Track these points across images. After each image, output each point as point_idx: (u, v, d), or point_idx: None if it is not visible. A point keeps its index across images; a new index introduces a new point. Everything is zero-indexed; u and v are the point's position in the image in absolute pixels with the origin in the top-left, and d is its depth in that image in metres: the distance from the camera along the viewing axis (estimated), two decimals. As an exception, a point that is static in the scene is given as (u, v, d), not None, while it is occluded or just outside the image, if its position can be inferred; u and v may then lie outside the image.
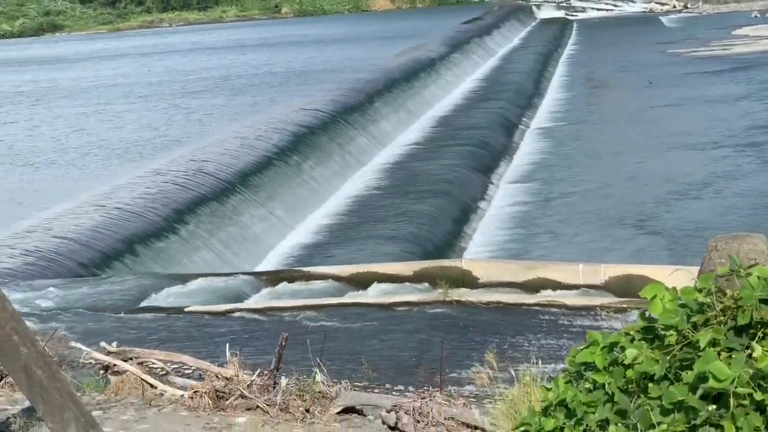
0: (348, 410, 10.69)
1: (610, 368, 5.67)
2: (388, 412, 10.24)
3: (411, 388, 11.81)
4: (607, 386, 5.61)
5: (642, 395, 5.45)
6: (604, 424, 5.53)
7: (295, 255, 27.68)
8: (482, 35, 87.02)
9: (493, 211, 33.45)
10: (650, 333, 5.67)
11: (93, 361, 11.90)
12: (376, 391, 11.93)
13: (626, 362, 5.58)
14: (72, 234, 24.54)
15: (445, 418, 9.99)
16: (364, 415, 10.67)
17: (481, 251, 28.50)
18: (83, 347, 12.03)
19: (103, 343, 12.01)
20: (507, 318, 16.85)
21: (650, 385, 5.42)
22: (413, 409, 10.07)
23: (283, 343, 11.02)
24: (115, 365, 11.62)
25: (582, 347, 5.92)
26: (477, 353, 13.38)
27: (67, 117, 54.76)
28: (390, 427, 10.15)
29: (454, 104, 55.39)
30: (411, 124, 49.38)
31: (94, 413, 9.48)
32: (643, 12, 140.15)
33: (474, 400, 10.91)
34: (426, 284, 19.81)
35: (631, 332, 5.75)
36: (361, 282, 20.44)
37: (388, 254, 25.67)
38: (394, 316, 16.99)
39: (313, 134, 39.41)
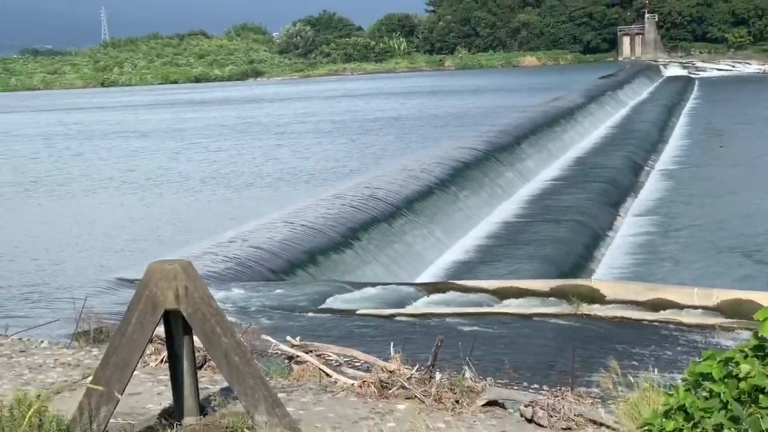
0: (491, 403, 10.60)
1: (725, 380, 5.52)
2: (525, 406, 10.14)
3: (545, 387, 11.65)
4: (722, 395, 5.46)
5: (753, 405, 5.29)
6: (719, 428, 5.38)
7: (450, 270, 27.64)
8: (615, 89, 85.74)
9: (620, 240, 32.87)
10: (761, 351, 5.50)
11: (279, 352, 12.06)
12: (516, 388, 11.79)
13: (740, 375, 5.43)
14: (265, 245, 24.98)
15: (574, 415, 9.83)
16: (505, 408, 10.57)
17: (608, 273, 28.02)
18: (272, 339, 12.21)
19: (288, 337, 12.16)
20: (629, 332, 16.51)
21: (761, 396, 5.26)
22: (547, 405, 9.95)
23: (439, 344, 10.99)
24: (297, 356, 11.76)
25: (700, 360, 5.77)
26: (603, 360, 13.14)
27: (264, 147, 55.84)
28: (527, 420, 10.04)
29: (589, 147, 54.68)
30: (551, 163, 48.91)
31: (279, 395, 9.62)
32: (758, 73, 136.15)
33: (599, 400, 10.71)
34: (560, 299, 19.55)
35: (745, 349, 5.60)
36: (505, 295, 20.28)
37: (528, 272, 25.45)
38: (532, 325, 16.82)
39: (469, 168, 39.43)
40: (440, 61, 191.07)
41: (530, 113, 60.20)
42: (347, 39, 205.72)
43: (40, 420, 8.60)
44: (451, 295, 20.58)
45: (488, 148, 44.09)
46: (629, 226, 34.97)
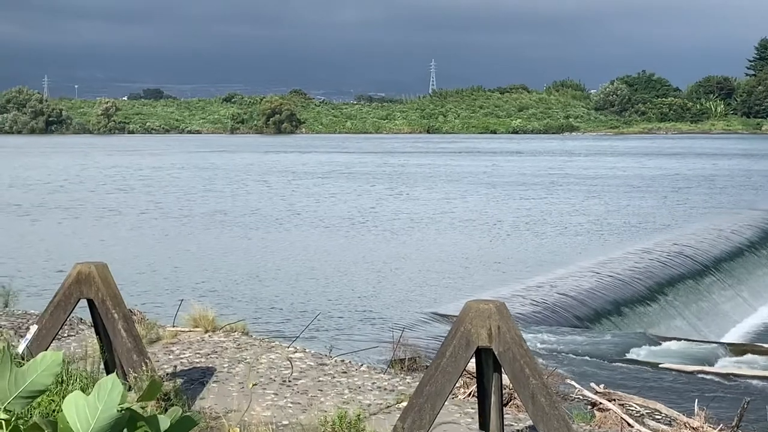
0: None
1: None
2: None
3: None
4: None
5: None
6: None
7: (756, 332, 26.09)
8: None
9: None
10: None
11: (582, 397, 11.80)
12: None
13: None
14: (572, 292, 24.65)
15: None
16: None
17: None
18: (576, 384, 11.98)
19: (592, 384, 11.89)
20: None
21: None
22: None
23: (745, 406, 10.36)
24: (600, 403, 11.46)
25: None
26: None
27: (574, 199, 55.34)
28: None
29: None
30: None
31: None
32: None
33: None
34: None
35: None
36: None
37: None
38: None
39: (782, 233, 37.13)
40: (757, 124, 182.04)
41: None
42: (663, 99, 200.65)
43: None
44: (758, 357, 19.38)
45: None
46: None
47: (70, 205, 49.99)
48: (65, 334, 14.74)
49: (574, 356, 17.83)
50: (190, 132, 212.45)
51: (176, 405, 3.57)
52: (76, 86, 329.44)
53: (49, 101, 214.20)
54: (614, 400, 11.53)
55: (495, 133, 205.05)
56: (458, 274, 29.17)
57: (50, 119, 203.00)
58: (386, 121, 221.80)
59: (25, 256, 32.31)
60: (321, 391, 12.02)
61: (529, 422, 9.38)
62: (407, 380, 12.72)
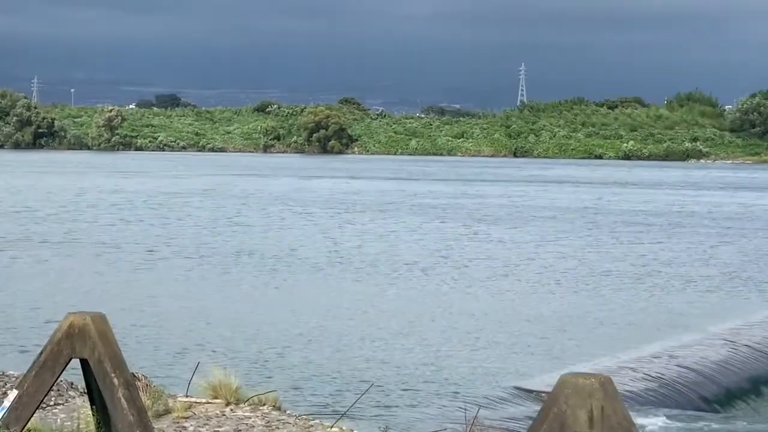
0: None
1: None
2: None
3: None
4: None
5: None
6: None
7: None
8: None
9: None
10: None
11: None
12: None
13: None
14: (697, 365, 24.41)
15: None
16: None
17: None
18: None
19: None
20: None
21: None
22: None
23: None
24: None
25: None
26: None
27: (701, 244, 54.85)
28: None
29: None
30: None
31: None
32: None
33: None
34: None
35: None
36: None
37: None
38: None
39: None
40: None
41: None
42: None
43: None
44: None
45: None
46: None
47: (61, 239, 50.79)
48: (52, 402, 14.94)
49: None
50: (212, 149, 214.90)
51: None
52: (72, 90, 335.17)
53: (39, 108, 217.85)
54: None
55: (600, 158, 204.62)
56: (551, 339, 29.03)
57: (40, 131, 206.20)
58: (461, 140, 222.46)
59: (4, 301, 32.82)
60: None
61: None
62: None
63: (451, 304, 34.93)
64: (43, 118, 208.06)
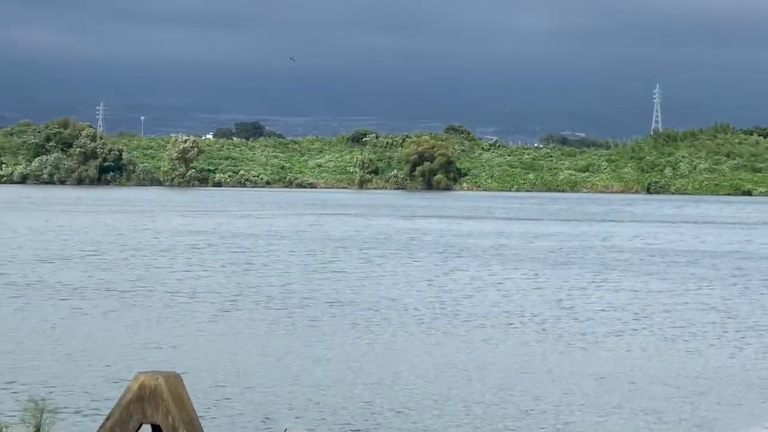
0: None
1: None
2: None
3: None
4: None
5: None
6: None
7: None
8: None
9: None
10: None
11: None
12: None
13: None
14: None
15: None
16: None
17: None
18: None
19: None
20: None
21: None
22: None
23: None
24: None
25: None
26: None
27: None
28: None
29: None
30: None
31: None
32: None
33: None
34: None
35: None
36: None
37: None
38: None
39: None
40: None
41: None
42: None
43: None
44: None
45: None
46: None
47: (130, 287, 51.36)
48: (119, 473, 15.13)
49: None
50: (301, 185, 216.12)
51: None
52: (142, 117, 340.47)
53: (105, 138, 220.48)
54: None
55: (749, 194, 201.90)
56: (690, 404, 28.66)
57: (105, 164, 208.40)
58: (586, 174, 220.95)
59: (68, 358, 33.31)
60: None
61: None
62: None
63: (573, 362, 34.66)
64: (110, 150, 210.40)
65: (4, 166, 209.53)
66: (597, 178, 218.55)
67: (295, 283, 54.34)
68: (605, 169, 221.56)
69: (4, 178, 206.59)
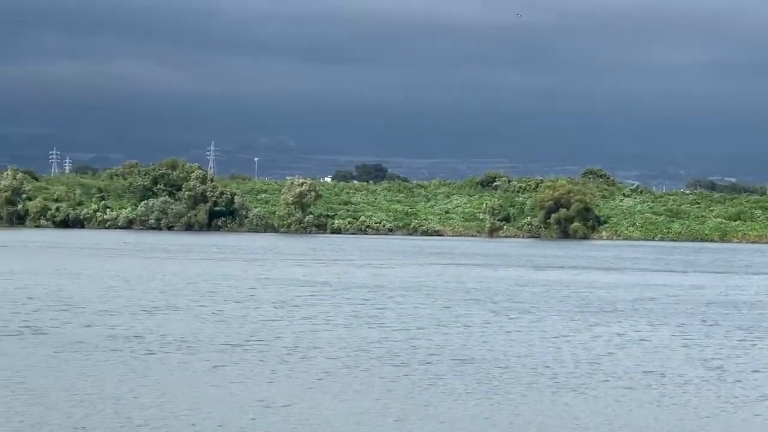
0: None
1: None
2: None
3: None
4: None
5: None
6: None
7: None
8: None
9: None
10: None
11: None
12: None
13: None
14: None
15: None
16: None
17: None
18: None
19: None
20: None
21: None
22: None
23: None
24: None
25: None
26: None
27: None
28: None
29: None
30: None
31: None
32: None
33: None
34: None
35: None
36: None
37: None
38: None
39: None
40: None
41: None
42: None
43: None
44: None
45: None
46: None
47: (239, 341, 51.56)
48: None
49: None
50: (426, 232, 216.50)
51: None
52: (255, 159, 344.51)
53: (216, 181, 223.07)
54: None
55: None
56: None
57: (216, 209, 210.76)
58: (738, 222, 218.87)
59: (173, 416, 33.42)
60: None
61: None
62: None
63: (717, 426, 34.15)
64: (221, 194, 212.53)
65: (108, 210, 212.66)
66: (749, 227, 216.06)
67: (421, 338, 54.20)
68: (759, 217, 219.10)
69: (109, 223, 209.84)
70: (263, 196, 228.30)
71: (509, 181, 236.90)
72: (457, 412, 35.57)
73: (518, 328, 60.35)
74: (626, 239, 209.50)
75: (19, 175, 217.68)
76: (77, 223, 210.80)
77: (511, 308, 71.54)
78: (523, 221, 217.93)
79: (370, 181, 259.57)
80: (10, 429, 30.58)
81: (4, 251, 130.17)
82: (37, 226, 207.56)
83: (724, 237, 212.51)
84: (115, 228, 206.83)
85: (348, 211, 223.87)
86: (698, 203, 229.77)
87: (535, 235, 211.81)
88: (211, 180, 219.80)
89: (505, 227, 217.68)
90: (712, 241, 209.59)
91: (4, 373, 39.86)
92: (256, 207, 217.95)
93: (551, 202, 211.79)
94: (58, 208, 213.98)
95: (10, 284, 79.90)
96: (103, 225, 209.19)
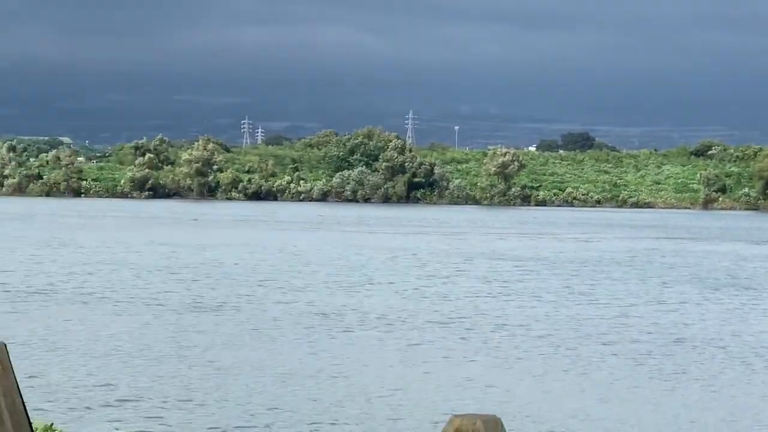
0: None
1: None
2: None
3: None
4: None
5: None
6: None
7: None
8: None
9: None
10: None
11: None
12: None
13: None
14: None
15: None
16: None
17: None
18: None
19: None
20: None
21: None
22: None
23: None
24: None
25: None
26: None
27: None
28: None
29: None
30: None
31: None
32: None
33: None
34: None
35: None
36: None
37: None
38: None
39: None
40: None
41: None
42: None
43: None
44: None
45: None
46: None
47: (440, 318, 51.73)
48: None
49: None
50: (636, 204, 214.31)
51: None
52: (456, 127, 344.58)
53: (415, 151, 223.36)
54: None
55: None
56: None
57: (415, 180, 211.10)
58: None
59: (376, 396, 33.73)
60: None
61: None
62: None
63: None
64: (420, 164, 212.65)
65: (302, 182, 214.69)
66: None
67: (631, 316, 53.78)
68: None
69: (303, 195, 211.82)
70: (464, 166, 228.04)
71: (725, 150, 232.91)
72: (666, 396, 35.28)
73: (738, 306, 59.53)
74: None
75: (210, 146, 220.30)
76: (270, 196, 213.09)
77: (728, 284, 70.57)
78: (741, 192, 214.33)
79: (577, 151, 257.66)
80: (203, 405, 31.20)
81: (195, 225, 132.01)
82: (228, 199, 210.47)
83: None
84: (309, 200, 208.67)
85: (553, 182, 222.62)
86: None
87: (753, 207, 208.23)
88: (410, 150, 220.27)
89: (720, 199, 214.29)
90: None
91: (194, 351, 40.61)
92: (456, 178, 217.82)
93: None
94: (250, 180, 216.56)
95: (211, 257, 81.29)
96: (297, 197, 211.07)
